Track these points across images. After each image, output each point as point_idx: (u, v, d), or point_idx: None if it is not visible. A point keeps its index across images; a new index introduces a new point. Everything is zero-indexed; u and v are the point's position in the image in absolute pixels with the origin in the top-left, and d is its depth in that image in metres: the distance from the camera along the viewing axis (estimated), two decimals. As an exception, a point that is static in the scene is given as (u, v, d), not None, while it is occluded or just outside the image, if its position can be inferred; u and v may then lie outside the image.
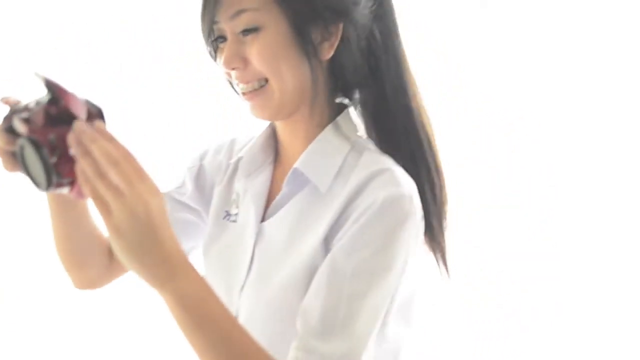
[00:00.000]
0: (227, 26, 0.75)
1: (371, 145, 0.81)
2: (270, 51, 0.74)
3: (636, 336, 1.77)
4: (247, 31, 0.74)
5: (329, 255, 0.72)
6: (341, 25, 0.77)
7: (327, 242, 0.74)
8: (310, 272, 0.73)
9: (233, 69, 0.76)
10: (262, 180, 0.85)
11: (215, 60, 0.81)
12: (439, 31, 2.14)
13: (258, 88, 0.77)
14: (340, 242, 0.72)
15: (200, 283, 0.62)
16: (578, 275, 1.87)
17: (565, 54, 1.88)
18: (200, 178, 0.96)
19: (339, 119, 0.81)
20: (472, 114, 2.09)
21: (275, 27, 0.74)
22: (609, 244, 1.81)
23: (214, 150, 0.96)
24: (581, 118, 1.86)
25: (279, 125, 0.86)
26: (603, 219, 1.82)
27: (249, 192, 0.86)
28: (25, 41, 1.76)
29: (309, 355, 0.68)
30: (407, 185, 0.74)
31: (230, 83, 0.83)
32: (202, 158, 0.96)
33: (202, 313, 0.62)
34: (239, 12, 0.74)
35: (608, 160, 1.82)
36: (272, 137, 0.88)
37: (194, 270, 0.62)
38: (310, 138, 0.81)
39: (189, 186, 0.96)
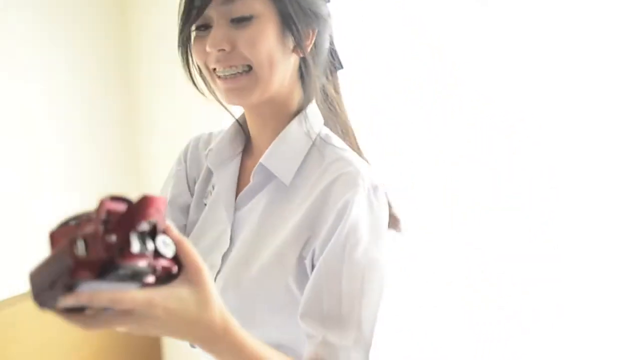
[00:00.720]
0: (217, 11, 0.78)
1: (334, 140, 0.87)
2: (261, 40, 0.78)
3: (638, 338, 1.76)
4: (240, 19, 0.78)
5: (322, 260, 0.78)
6: (316, 31, 0.85)
7: (308, 239, 0.80)
8: (280, 261, 0.81)
9: (220, 50, 0.79)
10: (231, 171, 0.91)
11: (185, 49, 0.85)
12: (436, 29, 2.11)
13: (242, 72, 0.80)
14: (328, 247, 0.78)
15: (235, 339, 0.64)
16: (580, 278, 1.86)
17: (567, 53, 1.87)
18: (188, 176, 1.00)
19: (300, 117, 0.87)
20: (473, 115, 2.06)
21: (267, 18, 0.78)
22: (611, 246, 1.80)
23: (192, 146, 1.00)
24: (583, 119, 1.85)
25: (249, 118, 0.90)
26: (605, 220, 1.81)
27: (219, 182, 0.91)
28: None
29: (326, 347, 0.75)
30: (367, 178, 0.81)
31: (191, 76, 0.88)
32: (185, 156, 1.00)
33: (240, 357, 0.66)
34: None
35: (610, 161, 1.80)
36: (241, 130, 0.93)
37: (228, 329, 0.63)
38: (278, 130, 0.86)
39: (184, 187, 0.99)
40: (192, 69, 0.88)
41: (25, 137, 1.76)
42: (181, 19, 0.81)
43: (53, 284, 0.47)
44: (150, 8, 2.12)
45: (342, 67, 0.96)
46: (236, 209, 0.88)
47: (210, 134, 1.00)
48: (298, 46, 0.82)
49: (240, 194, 0.88)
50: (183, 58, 0.87)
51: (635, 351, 1.76)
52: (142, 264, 0.50)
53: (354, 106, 2.37)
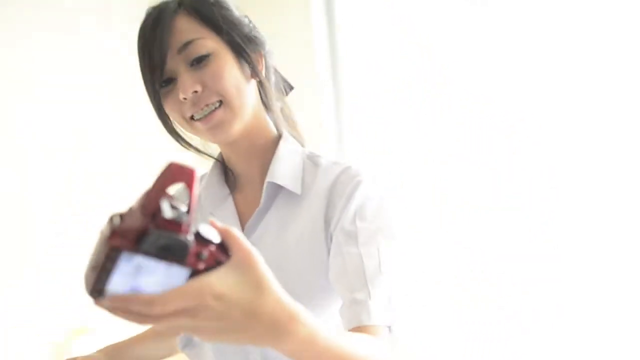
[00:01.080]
0: (176, 61, 0.84)
1: (320, 154, 0.95)
2: (225, 71, 0.85)
3: (637, 338, 1.75)
4: (199, 59, 0.84)
5: (337, 232, 0.84)
6: (263, 53, 0.92)
7: (326, 233, 0.86)
8: (312, 258, 0.86)
9: (193, 92, 0.84)
10: (229, 209, 0.94)
11: (158, 107, 0.88)
12: (426, 28, 2.12)
13: (218, 107, 0.85)
14: (341, 221, 0.84)
15: (306, 331, 0.57)
16: (580, 278, 1.83)
17: (555, 53, 1.86)
18: None
19: (283, 140, 0.93)
20: (463, 114, 2.07)
21: (222, 52, 0.86)
22: (611, 246, 1.77)
23: None
24: (582, 118, 1.82)
25: (233, 156, 0.95)
26: (604, 220, 1.78)
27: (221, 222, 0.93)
28: None
29: (356, 305, 0.78)
30: (366, 171, 0.89)
31: (173, 133, 0.93)
32: None
33: (308, 356, 0.59)
34: (187, 44, 0.84)
35: (609, 161, 1.79)
36: (224, 171, 0.98)
37: (296, 319, 0.55)
38: (264, 158, 0.93)
39: None
40: (170, 122, 0.92)
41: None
42: (147, 82, 0.86)
43: (96, 264, 0.48)
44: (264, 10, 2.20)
45: (292, 87, 1.03)
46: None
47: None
48: (254, 71, 0.89)
49: (248, 222, 0.91)
50: (162, 117, 0.90)
51: (635, 351, 1.76)
52: (180, 236, 0.48)
53: (344, 105, 2.38)
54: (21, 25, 1.72)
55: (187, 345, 0.97)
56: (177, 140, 0.94)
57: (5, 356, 1.65)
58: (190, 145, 0.95)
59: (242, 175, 0.96)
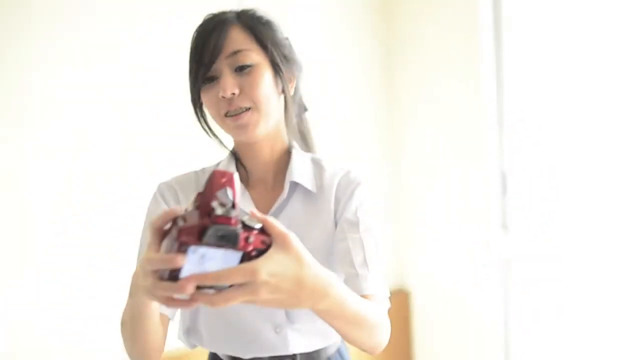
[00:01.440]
0: (223, 64, 0.97)
1: (322, 158, 1.10)
2: (261, 83, 0.97)
3: (637, 338, 1.75)
4: (243, 67, 0.97)
5: (343, 221, 1.01)
6: (296, 76, 1.06)
7: (334, 224, 1.04)
8: (327, 247, 1.01)
9: (232, 94, 0.97)
10: (247, 201, 1.05)
11: (197, 99, 1.02)
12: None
13: (247, 110, 0.98)
14: (346, 212, 1.02)
15: (338, 293, 0.76)
16: (580, 277, 1.84)
17: (567, 54, 1.87)
18: None
19: (294, 149, 1.08)
20: (464, 113, 2.07)
21: (263, 66, 0.99)
22: (611, 246, 1.76)
23: (166, 188, 1.06)
24: (583, 119, 1.82)
25: (250, 155, 1.07)
26: (605, 220, 1.78)
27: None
28: None
29: (355, 278, 0.95)
30: (361, 174, 1.07)
31: (201, 121, 1.06)
32: (163, 197, 1.06)
33: (336, 312, 0.78)
34: (236, 52, 0.97)
35: (609, 161, 1.79)
36: (236, 169, 1.09)
37: (331, 282, 0.74)
38: (279, 160, 1.07)
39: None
40: (203, 118, 1.06)
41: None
42: (192, 76, 0.99)
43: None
44: (415, 17, 2.27)
45: (307, 109, 1.16)
46: None
47: (175, 178, 1.09)
48: (284, 88, 1.02)
49: (270, 211, 1.03)
50: (196, 111, 1.04)
51: (635, 351, 1.77)
52: (232, 227, 0.62)
53: (348, 104, 2.36)
54: (21, 24, 1.71)
55: (190, 332, 1.05)
56: (204, 128, 1.07)
57: (5, 356, 1.65)
58: (214, 134, 1.08)
59: (255, 175, 1.08)
